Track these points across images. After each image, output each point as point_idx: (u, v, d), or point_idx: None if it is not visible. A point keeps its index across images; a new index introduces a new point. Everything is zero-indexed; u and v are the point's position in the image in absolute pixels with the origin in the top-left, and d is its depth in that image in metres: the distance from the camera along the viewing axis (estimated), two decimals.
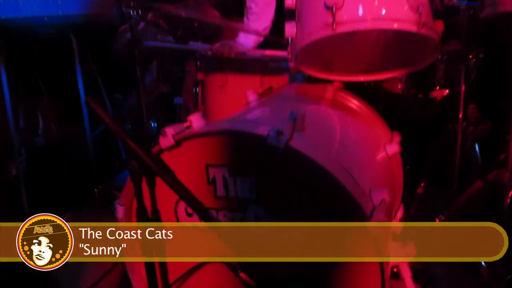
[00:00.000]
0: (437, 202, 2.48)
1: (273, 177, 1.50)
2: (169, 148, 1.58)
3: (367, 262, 1.47)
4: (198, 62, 2.96)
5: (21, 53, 3.62)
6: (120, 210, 1.73)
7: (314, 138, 1.56)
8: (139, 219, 1.61)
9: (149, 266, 1.61)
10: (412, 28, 1.69)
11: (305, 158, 1.42)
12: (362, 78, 2.15)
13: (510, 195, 2.22)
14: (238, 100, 2.33)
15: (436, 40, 1.78)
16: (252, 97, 2.19)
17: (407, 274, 1.66)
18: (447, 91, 2.55)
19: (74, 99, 3.71)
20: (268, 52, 2.89)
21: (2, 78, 3.28)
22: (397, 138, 2.17)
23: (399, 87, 2.51)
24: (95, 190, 3.08)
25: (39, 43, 3.55)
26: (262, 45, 3.06)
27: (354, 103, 2.24)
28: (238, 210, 1.58)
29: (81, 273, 2.54)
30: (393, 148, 2.06)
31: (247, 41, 3.00)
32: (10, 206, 3.27)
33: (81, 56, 3.57)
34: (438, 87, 2.50)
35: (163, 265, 1.67)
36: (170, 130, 1.55)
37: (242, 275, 1.42)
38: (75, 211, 3.15)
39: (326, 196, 1.44)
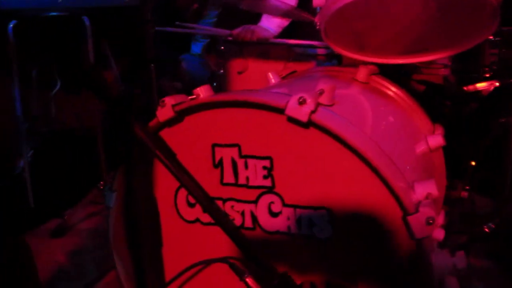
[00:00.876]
0: (484, 209, 2.15)
1: (293, 159, 1.21)
2: (169, 122, 1.31)
3: (406, 272, 1.17)
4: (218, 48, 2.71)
5: (35, 37, 3.43)
6: (111, 198, 1.47)
7: (345, 114, 1.27)
8: (130, 208, 1.34)
9: (139, 264, 1.35)
10: None
11: (333, 134, 1.12)
12: (401, 60, 1.85)
13: None
14: (258, 87, 2.05)
15: (495, 5, 1.47)
16: (274, 79, 1.91)
17: None
18: (497, 83, 2.21)
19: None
20: (293, 41, 2.60)
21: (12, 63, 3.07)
22: (440, 130, 1.86)
23: (442, 73, 2.19)
24: (101, 183, 2.83)
25: (52, 28, 3.37)
26: (286, 31, 2.79)
27: (390, 89, 1.94)
28: (249, 201, 1.29)
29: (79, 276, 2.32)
30: (436, 140, 1.75)
31: (270, 25, 2.73)
32: (15, 200, 3.07)
33: (96, 42, 3.36)
34: (487, 75, 2.16)
35: (158, 263, 1.40)
36: (170, 100, 1.28)
37: (248, 280, 1.14)
38: (80, 206, 2.95)
39: (359, 184, 1.15)
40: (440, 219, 1.81)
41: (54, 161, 3.33)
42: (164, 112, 1.28)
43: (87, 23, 3.23)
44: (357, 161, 1.13)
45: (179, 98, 1.31)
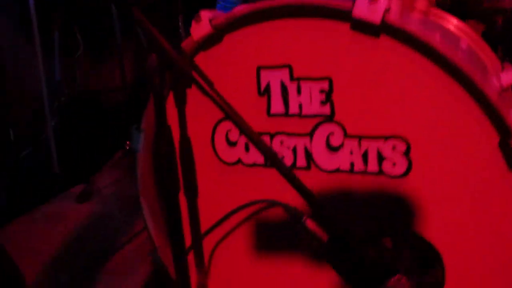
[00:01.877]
0: None
1: (359, 78, 0.99)
2: (205, 44, 1.10)
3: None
4: None
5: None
6: (138, 139, 1.27)
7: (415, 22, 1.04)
8: (162, 151, 1.14)
9: (171, 216, 1.14)
10: None
11: (414, 39, 0.89)
12: None
13: None
14: None
15: None
16: None
17: None
18: None
19: (112, 49, 3.37)
20: None
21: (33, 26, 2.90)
22: (510, 68, 1.60)
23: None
24: (127, 143, 2.65)
25: None
26: None
27: (452, 22, 1.68)
28: (303, 134, 1.08)
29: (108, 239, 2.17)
30: (510, 77, 1.49)
31: None
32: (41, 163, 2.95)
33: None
34: None
35: (194, 214, 1.21)
36: (206, 14, 1.06)
37: (309, 222, 0.93)
38: (105, 170, 2.79)
39: (444, 103, 0.92)
40: None
41: (79, 125, 3.19)
42: (199, 29, 1.07)
43: None
44: (442, 75, 0.90)
45: (217, 13, 1.09)
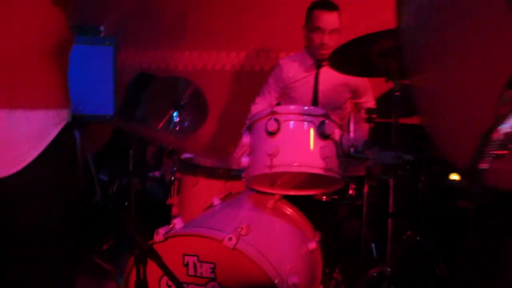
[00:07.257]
0: None
1: (225, 265, 2.36)
2: (160, 242, 2.44)
3: None
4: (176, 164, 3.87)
5: None
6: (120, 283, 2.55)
7: (254, 240, 2.46)
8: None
9: None
10: (320, 171, 2.66)
11: (245, 256, 2.30)
12: (292, 192, 3.09)
13: None
14: (206, 199, 3.26)
15: (338, 178, 2.75)
16: (216, 201, 3.11)
17: None
18: None
19: None
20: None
21: None
22: (317, 237, 3.09)
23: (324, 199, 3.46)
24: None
25: None
26: None
27: (289, 210, 3.17)
28: (202, 285, 2.42)
29: None
30: (312, 245, 2.97)
31: None
32: None
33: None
34: None
35: None
36: (161, 230, 2.42)
37: None
38: None
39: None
40: None
41: None
42: (158, 237, 2.41)
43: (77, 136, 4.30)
44: (256, 274, 2.29)
45: (166, 228, 2.45)
